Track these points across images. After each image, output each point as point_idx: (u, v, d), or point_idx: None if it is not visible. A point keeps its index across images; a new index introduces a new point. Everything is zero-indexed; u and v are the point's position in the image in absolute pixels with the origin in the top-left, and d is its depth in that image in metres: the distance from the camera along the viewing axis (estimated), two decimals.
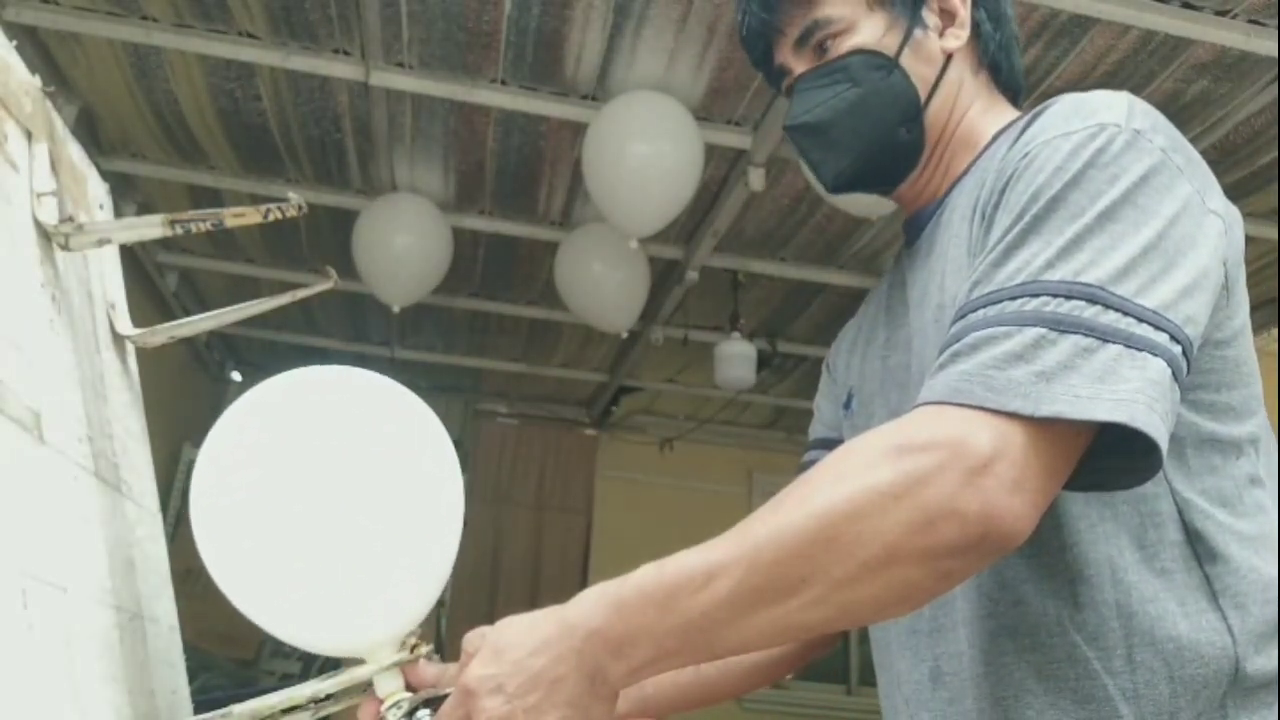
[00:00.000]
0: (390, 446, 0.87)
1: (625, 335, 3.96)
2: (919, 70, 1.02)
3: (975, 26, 1.06)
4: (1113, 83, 2.71)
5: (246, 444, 0.84)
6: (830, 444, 1.16)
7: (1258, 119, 2.84)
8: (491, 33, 2.70)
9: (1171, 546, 0.84)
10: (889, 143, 1.03)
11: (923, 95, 1.02)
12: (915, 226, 1.06)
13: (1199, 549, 0.84)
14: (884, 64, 1.02)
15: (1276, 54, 2.50)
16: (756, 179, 3.09)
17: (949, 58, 1.04)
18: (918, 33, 1.03)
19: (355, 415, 0.87)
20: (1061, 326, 0.74)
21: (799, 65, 1.06)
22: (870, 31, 1.02)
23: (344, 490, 0.82)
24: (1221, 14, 2.46)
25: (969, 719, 0.89)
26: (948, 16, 1.05)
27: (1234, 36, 2.49)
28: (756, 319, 4.26)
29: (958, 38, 1.04)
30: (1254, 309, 1.52)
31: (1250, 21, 2.47)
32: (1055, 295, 0.76)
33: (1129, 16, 2.45)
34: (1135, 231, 0.79)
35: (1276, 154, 2.95)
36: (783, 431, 5.61)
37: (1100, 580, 0.84)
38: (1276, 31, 2.48)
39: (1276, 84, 2.66)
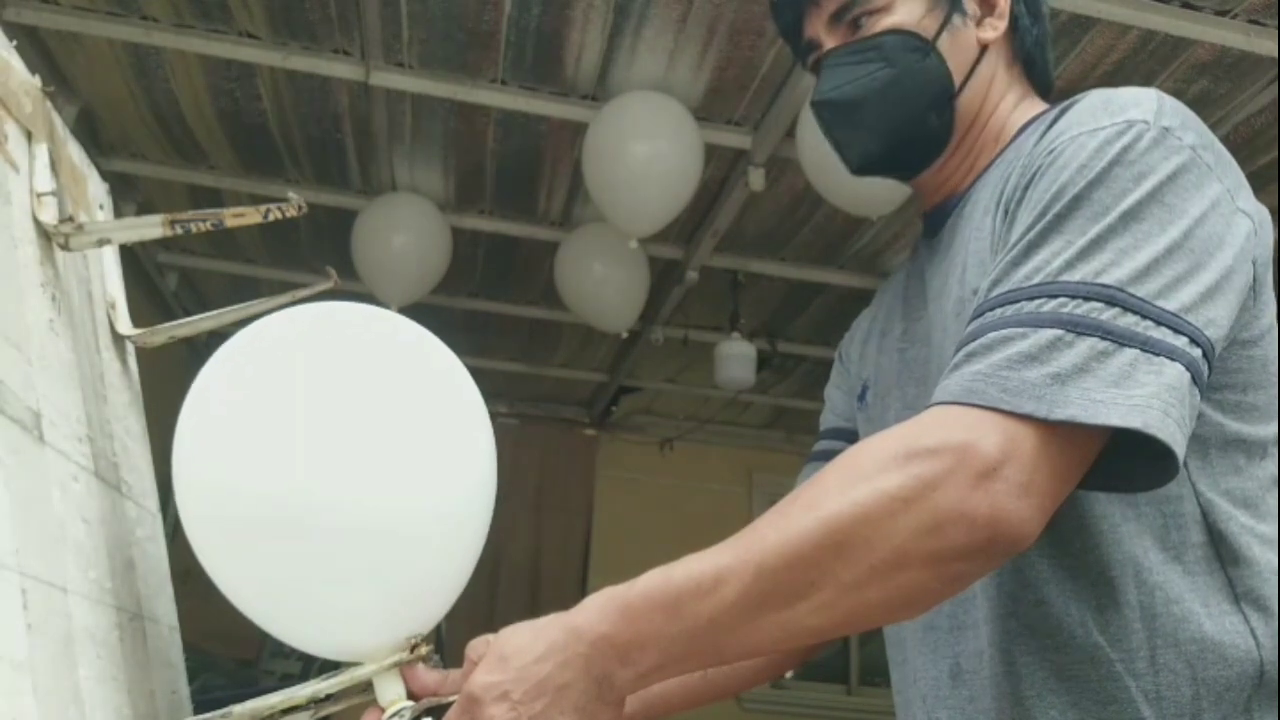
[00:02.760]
0: (405, 408, 0.82)
1: (625, 335, 3.96)
2: (955, 57, 1.00)
3: (1013, 19, 1.04)
4: (1113, 83, 2.70)
5: (228, 395, 0.80)
6: (842, 433, 1.16)
7: (1258, 119, 2.84)
8: (491, 33, 2.69)
9: (1195, 548, 0.83)
10: (918, 128, 1.01)
11: (956, 83, 1.00)
12: (936, 219, 1.05)
13: (1221, 551, 0.83)
14: (920, 46, 0.99)
15: (1276, 54, 2.50)
16: (756, 179, 3.08)
17: (984, 48, 1.02)
18: (956, 19, 1.01)
19: (363, 368, 0.82)
20: (1078, 329, 0.73)
21: (831, 40, 1.03)
22: (909, 12, 1.00)
23: (342, 469, 0.78)
24: (1221, 14, 2.46)
25: (989, 718, 0.88)
26: (987, 6, 1.03)
27: (1234, 36, 2.49)
28: (756, 319, 4.25)
29: (995, 28, 1.03)
30: None
31: (1250, 21, 2.47)
32: (1073, 296, 0.75)
33: (1129, 16, 2.45)
34: (1160, 231, 0.77)
35: (1276, 154, 2.94)
36: (783, 431, 5.60)
37: (1124, 581, 0.83)
38: (1276, 31, 2.48)
39: (1276, 84, 2.66)
